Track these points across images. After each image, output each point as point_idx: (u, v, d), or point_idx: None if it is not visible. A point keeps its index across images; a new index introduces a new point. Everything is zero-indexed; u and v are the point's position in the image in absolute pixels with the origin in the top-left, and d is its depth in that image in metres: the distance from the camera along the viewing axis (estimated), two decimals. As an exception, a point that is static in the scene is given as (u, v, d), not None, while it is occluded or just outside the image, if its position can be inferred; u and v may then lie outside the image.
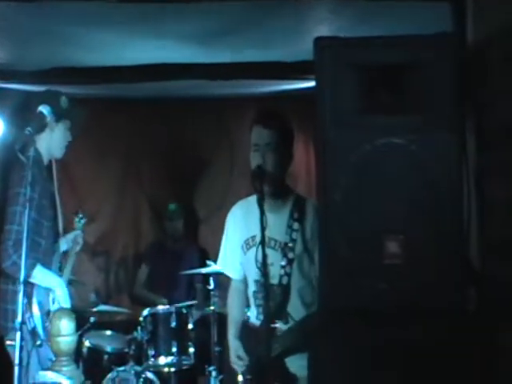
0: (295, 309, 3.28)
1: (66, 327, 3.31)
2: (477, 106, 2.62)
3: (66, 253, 4.37)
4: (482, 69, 2.62)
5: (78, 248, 4.39)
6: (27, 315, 3.78)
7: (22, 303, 3.24)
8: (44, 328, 3.84)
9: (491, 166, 2.55)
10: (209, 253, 6.44)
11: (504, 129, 2.45)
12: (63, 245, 4.35)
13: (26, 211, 3.29)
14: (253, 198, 3.17)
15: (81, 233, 4.46)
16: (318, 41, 2.38)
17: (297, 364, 3.19)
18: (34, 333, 3.78)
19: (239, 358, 3.35)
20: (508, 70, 2.44)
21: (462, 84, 2.38)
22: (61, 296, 3.99)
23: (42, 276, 3.90)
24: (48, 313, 3.93)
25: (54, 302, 4.01)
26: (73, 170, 6.46)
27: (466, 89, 2.46)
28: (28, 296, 3.81)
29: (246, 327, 3.43)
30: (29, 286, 3.82)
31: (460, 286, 2.31)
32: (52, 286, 3.98)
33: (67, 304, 4.02)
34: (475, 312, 2.49)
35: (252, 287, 3.38)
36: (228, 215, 3.55)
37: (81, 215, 4.53)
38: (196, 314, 5.42)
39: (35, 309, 3.86)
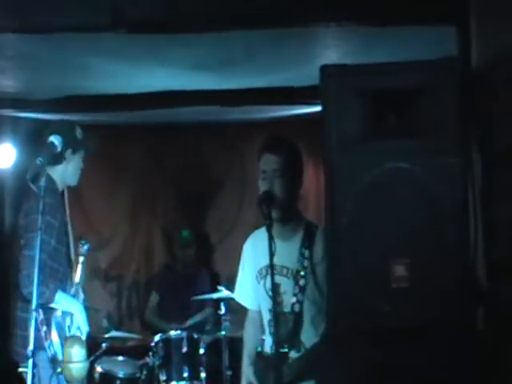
0: (308, 337, 3.25)
1: (77, 354, 3.33)
2: (481, 128, 2.65)
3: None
4: (486, 91, 2.64)
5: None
6: (47, 342, 3.81)
7: (36, 330, 3.25)
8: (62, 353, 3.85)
9: (497, 187, 2.57)
10: (220, 277, 6.46)
11: (509, 150, 2.47)
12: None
13: (38, 239, 3.32)
14: (266, 228, 3.17)
15: (84, 259, 4.48)
16: (324, 68, 2.41)
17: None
18: (54, 360, 3.79)
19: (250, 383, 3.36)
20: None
21: (467, 106, 2.41)
22: (81, 321, 4.01)
23: (63, 301, 3.91)
24: (66, 339, 3.95)
25: (70, 329, 4.03)
26: (85, 197, 6.51)
27: (470, 111, 2.49)
28: (47, 323, 3.84)
29: (259, 356, 3.43)
30: (47, 312, 3.85)
31: (467, 308, 2.31)
32: (72, 311, 4.00)
33: (86, 328, 4.04)
34: (482, 332, 2.49)
35: (267, 316, 3.36)
36: (244, 246, 3.55)
37: (83, 241, 4.55)
38: (207, 338, 5.42)
39: (54, 336, 3.88)
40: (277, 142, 3.40)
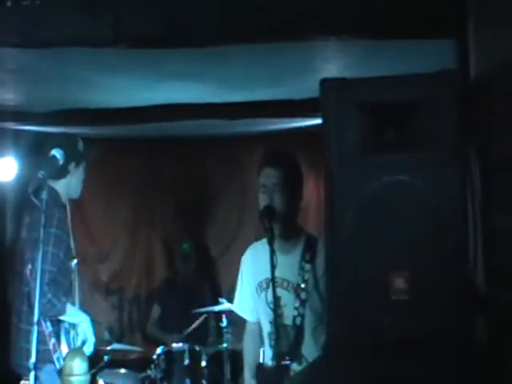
0: (310, 350, 3.27)
1: (78, 367, 3.33)
2: (481, 138, 2.66)
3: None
4: (485, 102, 2.66)
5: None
6: (55, 355, 3.82)
7: (41, 343, 3.26)
8: None
9: (496, 194, 2.58)
10: (221, 289, 6.46)
11: (508, 159, 2.49)
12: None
13: (40, 253, 3.32)
14: (265, 240, 3.19)
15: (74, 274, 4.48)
16: (324, 82, 2.43)
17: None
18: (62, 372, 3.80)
19: None
20: (510, 102, 2.48)
21: (466, 117, 2.42)
22: (88, 332, 4.02)
23: (71, 313, 3.93)
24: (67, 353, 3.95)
25: (75, 339, 4.03)
26: (85, 210, 6.52)
27: (469, 121, 2.50)
28: (56, 335, 3.85)
29: (260, 369, 3.43)
30: (55, 325, 3.87)
31: (467, 320, 2.32)
32: (80, 322, 4.01)
33: (93, 339, 4.05)
34: (482, 342, 2.50)
35: (267, 328, 3.38)
36: (242, 258, 3.57)
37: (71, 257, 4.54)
38: (209, 351, 5.42)
39: (64, 348, 3.89)
40: (276, 156, 3.42)
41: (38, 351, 3.84)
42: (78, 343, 3.98)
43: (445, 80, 2.41)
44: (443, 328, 2.30)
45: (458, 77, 2.52)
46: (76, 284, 4.32)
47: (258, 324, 3.49)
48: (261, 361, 3.45)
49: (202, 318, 5.98)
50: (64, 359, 3.84)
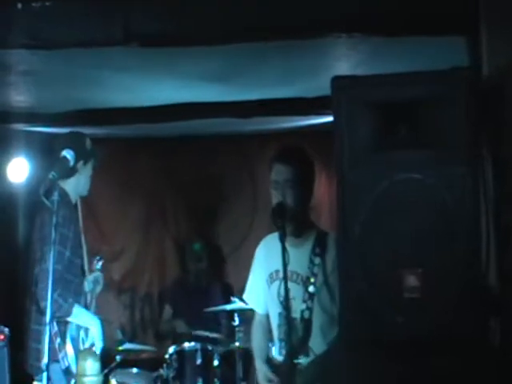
0: (317, 343, 3.27)
1: (91, 367, 3.34)
2: (493, 136, 2.65)
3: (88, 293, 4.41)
4: (497, 99, 2.64)
5: (99, 288, 4.42)
6: (61, 354, 3.82)
7: (50, 343, 3.26)
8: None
9: (508, 193, 2.57)
10: (233, 288, 6.45)
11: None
12: (89, 284, 4.39)
13: (52, 253, 3.33)
14: (277, 233, 3.18)
15: (101, 274, 4.49)
16: (335, 80, 2.42)
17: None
18: (68, 372, 3.80)
19: (270, 380, 3.34)
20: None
21: (478, 115, 2.41)
22: (96, 336, 4.02)
23: (79, 314, 3.93)
24: (80, 353, 3.95)
25: (84, 342, 4.04)
26: (98, 210, 6.54)
27: (481, 119, 2.49)
28: (62, 335, 3.86)
29: (269, 362, 3.43)
30: (62, 325, 3.87)
31: (480, 317, 2.31)
32: (88, 325, 4.01)
33: (101, 344, 4.05)
34: (496, 342, 2.48)
35: (275, 320, 3.38)
36: (256, 250, 3.58)
37: (98, 257, 4.56)
38: (221, 350, 5.41)
39: (69, 348, 3.89)
40: (289, 152, 3.40)
41: (29, 349, 3.87)
42: (86, 346, 3.98)
43: (457, 77, 2.40)
44: (455, 326, 2.29)
45: (470, 74, 2.49)
46: (97, 287, 4.33)
47: (267, 316, 3.49)
48: (270, 355, 3.44)
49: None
50: (77, 359, 3.86)
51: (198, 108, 5.09)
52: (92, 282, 4.41)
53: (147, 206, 6.78)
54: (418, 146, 2.36)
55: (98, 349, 3.98)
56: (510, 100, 2.58)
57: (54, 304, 3.74)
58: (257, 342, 3.57)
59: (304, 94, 4.91)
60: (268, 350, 3.45)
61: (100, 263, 4.50)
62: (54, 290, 3.74)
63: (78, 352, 3.90)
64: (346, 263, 2.39)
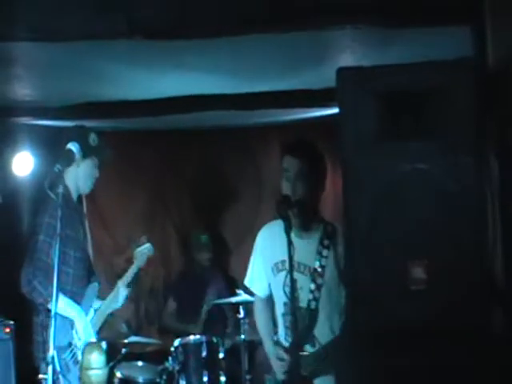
0: (323, 332, 3.31)
1: (96, 360, 3.35)
2: (498, 126, 2.64)
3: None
4: (503, 89, 2.63)
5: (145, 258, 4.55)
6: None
7: (46, 336, 3.29)
8: (60, 360, 3.85)
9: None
10: (238, 281, 6.45)
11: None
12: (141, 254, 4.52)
13: (57, 246, 3.34)
14: (280, 221, 3.18)
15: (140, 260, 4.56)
16: (340, 71, 2.42)
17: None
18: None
19: (281, 359, 3.33)
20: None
21: (484, 105, 2.40)
22: (80, 327, 4.01)
23: (62, 305, 3.84)
24: (69, 345, 3.95)
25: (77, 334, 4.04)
26: (102, 202, 6.54)
27: (487, 109, 2.48)
28: (46, 328, 3.86)
29: (277, 345, 3.44)
30: (48, 317, 3.88)
31: (485, 309, 2.31)
32: (71, 317, 4.01)
33: (88, 336, 4.03)
34: (501, 334, 2.48)
35: (281, 309, 3.41)
36: (258, 234, 3.59)
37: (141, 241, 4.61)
38: (226, 343, 5.42)
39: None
40: (300, 145, 3.41)
41: (40, 343, 3.89)
42: (78, 339, 3.99)
43: (462, 67, 2.40)
44: (461, 317, 2.29)
45: (476, 64, 2.49)
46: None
47: (268, 300, 3.50)
48: (275, 339, 3.44)
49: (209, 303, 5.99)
50: (74, 352, 3.88)
51: (202, 101, 5.09)
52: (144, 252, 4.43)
53: (152, 199, 6.78)
54: (424, 136, 2.36)
55: (82, 342, 3.98)
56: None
57: (34, 291, 3.79)
58: (263, 324, 3.59)
59: (310, 85, 4.90)
60: (273, 334, 3.46)
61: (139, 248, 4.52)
62: (33, 278, 3.80)
63: (59, 346, 3.89)
64: (352, 254, 2.40)
